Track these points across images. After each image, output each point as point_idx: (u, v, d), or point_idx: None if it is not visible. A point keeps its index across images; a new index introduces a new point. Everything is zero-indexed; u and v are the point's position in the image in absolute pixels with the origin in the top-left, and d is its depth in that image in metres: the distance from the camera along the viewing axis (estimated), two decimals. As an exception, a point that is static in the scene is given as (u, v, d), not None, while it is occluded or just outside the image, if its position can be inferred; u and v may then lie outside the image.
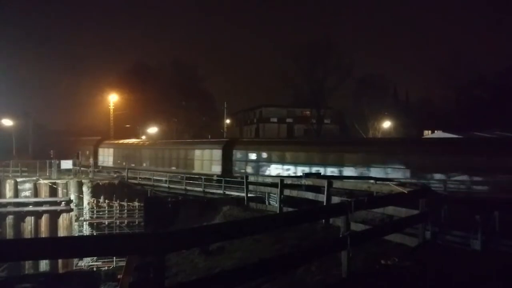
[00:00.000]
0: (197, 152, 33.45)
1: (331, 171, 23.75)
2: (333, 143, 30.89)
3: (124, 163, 39.78)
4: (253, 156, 29.63)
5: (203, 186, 26.70)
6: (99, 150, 45.83)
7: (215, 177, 28.56)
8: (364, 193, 9.80)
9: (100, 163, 43.82)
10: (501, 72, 48.07)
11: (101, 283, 20.94)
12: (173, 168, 35.01)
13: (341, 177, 17.00)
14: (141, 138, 52.22)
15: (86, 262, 25.54)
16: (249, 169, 29.01)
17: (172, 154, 36.16)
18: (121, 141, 46.93)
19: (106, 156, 44.57)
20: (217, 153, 31.30)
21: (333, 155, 25.58)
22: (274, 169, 27.60)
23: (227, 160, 30.47)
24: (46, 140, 50.39)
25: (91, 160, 42.53)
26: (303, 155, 27.06)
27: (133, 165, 38.14)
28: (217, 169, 30.48)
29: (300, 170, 24.56)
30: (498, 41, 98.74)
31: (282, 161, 27.61)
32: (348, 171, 23.32)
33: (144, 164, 38.42)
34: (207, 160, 32.15)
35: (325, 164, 25.08)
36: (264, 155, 29.05)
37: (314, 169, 24.08)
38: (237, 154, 30.43)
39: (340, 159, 24.83)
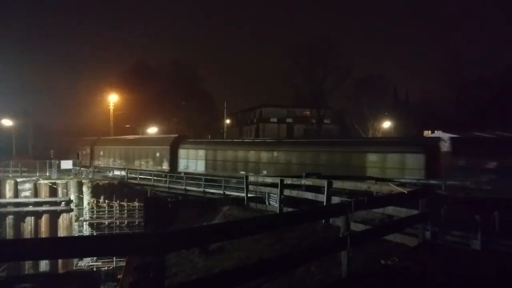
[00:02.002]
0: (372, 157, 23.74)
1: None
2: None
3: (225, 170, 30.62)
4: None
5: (203, 186, 26.68)
6: (180, 151, 34.46)
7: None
8: (364, 193, 9.79)
9: (181, 168, 33.86)
10: (501, 72, 48.10)
11: (101, 283, 21.00)
12: None
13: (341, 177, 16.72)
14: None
15: (86, 262, 25.55)
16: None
17: (319, 159, 25.64)
18: (219, 140, 38.86)
19: (193, 160, 33.31)
20: (416, 159, 21.89)
21: None
22: None
23: (436, 169, 21.20)
24: (46, 140, 50.34)
25: (166, 164, 34.80)
26: None
27: (242, 172, 27.68)
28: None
29: None
30: (498, 41, 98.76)
31: None
32: None
33: (265, 172, 27.52)
34: (395, 168, 22.41)
35: None
36: None
37: None
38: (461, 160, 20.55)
39: None
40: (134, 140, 41.68)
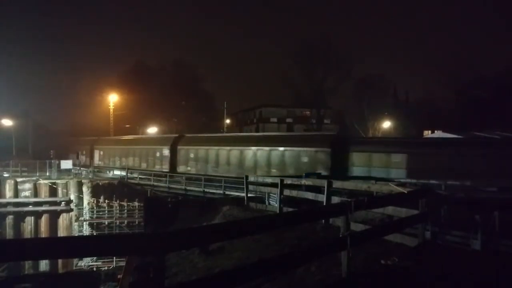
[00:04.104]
0: None
1: None
2: None
3: None
4: None
5: (203, 186, 26.67)
6: (354, 156, 24.26)
7: None
8: (364, 193, 9.79)
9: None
10: (501, 72, 48.15)
11: (101, 283, 21.03)
12: None
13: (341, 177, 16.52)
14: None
15: (86, 262, 25.56)
16: None
17: None
18: (436, 138, 27.89)
19: (382, 169, 22.79)
20: None
21: None
22: None
23: None
24: (46, 140, 50.10)
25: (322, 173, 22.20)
26: None
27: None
28: None
29: None
30: (498, 41, 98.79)
31: None
32: None
33: None
34: None
35: None
36: None
37: None
38: None
39: None
40: (253, 138, 31.11)
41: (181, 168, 32.59)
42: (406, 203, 7.78)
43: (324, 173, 22.10)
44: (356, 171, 23.55)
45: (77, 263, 25.63)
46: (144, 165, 36.16)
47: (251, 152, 28.22)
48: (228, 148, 29.85)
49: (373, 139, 28.06)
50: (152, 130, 54.90)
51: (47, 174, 31.48)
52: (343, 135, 27.94)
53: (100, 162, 42.44)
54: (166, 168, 33.52)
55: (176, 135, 36.62)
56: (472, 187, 15.56)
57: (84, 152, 45.94)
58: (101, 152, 43.06)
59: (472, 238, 7.60)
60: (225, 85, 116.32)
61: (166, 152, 34.19)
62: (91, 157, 44.02)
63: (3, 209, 26.79)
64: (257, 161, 27.75)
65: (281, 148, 26.72)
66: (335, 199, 9.58)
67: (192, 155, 32.25)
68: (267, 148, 27.42)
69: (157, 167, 34.31)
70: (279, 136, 32.56)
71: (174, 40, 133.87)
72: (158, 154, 34.90)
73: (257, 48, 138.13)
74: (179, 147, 33.54)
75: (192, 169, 31.73)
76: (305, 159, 25.46)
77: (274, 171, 26.29)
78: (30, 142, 51.68)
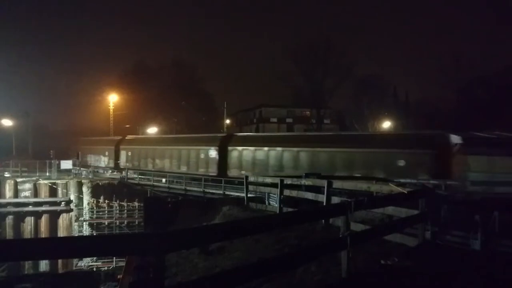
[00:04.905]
0: None
1: None
2: None
3: None
4: None
5: (203, 186, 26.67)
6: (469, 159, 18.95)
7: None
8: (364, 193, 9.79)
9: None
10: (501, 72, 48.13)
11: (101, 283, 21.00)
12: None
13: (341, 177, 16.31)
14: None
15: (86, 262, 25.58)
16: None
17: None
18: None
19: None
20: None
21: None
22: None
23: None
24: (46, 140, 50.03)
25: None
26: None
27: None
28: None
29: None
30: (498, 41, 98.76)
31: None
32: None
33: None
34: None
35: None
36: None
37: None
38: None
39: None
40: (328, 138, 27.17)
41: (233, 172, 28.42)
42: (406, 203, 7.79)
43: (427, 180, 18.13)
44: (473, 178, 18.61)
45: (77, 263, 25.64)
46: (184, 168, 32.07)
47: (326, 154, 24.23)
48: (295, 149, 25.73)
49: (494, 139, 22.00)
50: (152, 130, 54.88)
51: (47, 174, 31.49)
52: (451, 133, 21.98)
53: (127, 164, 37.80)
54: (213, 171, 29.50)
55: (224, 134, 32.27)
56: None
57: (106, 153, 41.67)
58: (129, 153, 38.60)
59: (472, 238, 7.60)
60: (225, 85, 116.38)
61: (213, 153, 29.98)
62: (116, 158, 39.88)
63: (3, 209, 26.81)
64: (334, 164, 23.49)
65: (367, 150, 22.60)
66: (335, 199, 9.57)
67: (247, 157, 28.28)
68: (347, 150, 23.42)
69: (201, 170, 30.16)
70: (365, 135, 28.81)
71: (174, 40, 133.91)
72: (202, 156, 30.77)
73: (257, 48, 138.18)
74: (230, 147, 29.25)
75: (248, 173, 26.02)
76: (401, 163, 21.34)
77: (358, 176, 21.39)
78: (30, 142, 51.72)
